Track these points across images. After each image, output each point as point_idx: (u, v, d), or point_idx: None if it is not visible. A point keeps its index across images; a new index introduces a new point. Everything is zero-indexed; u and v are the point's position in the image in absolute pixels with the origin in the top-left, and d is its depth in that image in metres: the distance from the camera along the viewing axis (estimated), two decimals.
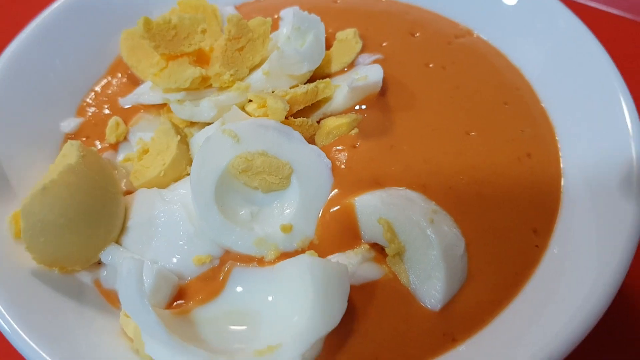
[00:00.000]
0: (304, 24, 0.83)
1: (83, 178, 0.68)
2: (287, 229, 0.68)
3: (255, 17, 0.81)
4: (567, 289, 0.63)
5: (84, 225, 0.67)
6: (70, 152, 0.70)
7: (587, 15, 0.87)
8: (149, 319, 0.57)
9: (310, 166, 0.71)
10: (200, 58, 0.82)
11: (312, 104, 0.81)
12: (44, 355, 0.59)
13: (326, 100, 0.82)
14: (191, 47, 0.77)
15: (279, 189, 0.70)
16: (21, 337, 0.61)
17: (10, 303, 0.63)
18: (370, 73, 0.81)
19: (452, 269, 0.65)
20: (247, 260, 0.68)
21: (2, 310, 0.62)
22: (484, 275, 0.68)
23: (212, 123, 0.79)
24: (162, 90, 0.80)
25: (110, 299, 0.71)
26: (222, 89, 0.80)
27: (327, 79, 0.82)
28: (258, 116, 0.76)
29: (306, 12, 0.85)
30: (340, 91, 0.81)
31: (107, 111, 0.88)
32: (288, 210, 0.70)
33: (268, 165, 0.69)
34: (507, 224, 0.72)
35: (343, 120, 0.78)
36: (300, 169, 0.70)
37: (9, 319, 0.62)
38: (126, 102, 0.87)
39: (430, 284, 0.65)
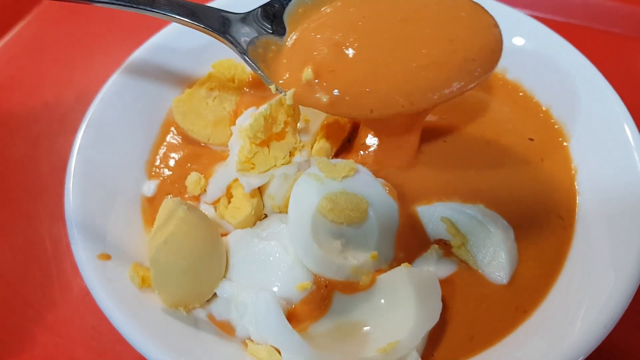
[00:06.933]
0: None
1: (193, 226, 0.79)
2: (374, 256, 0.81)
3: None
4: (604, 258, 0.80)
5: (202, 266, 0.79)
6: (175, 207, 0.81)
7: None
8: (293, 339, 0.70)
9: (380, 199, 0.83)
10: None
11: None
12: None
13: None
14: (279, 127, 0.86)
15: (360, 222, 0.82)
16: None
17: (150, 337, 0.73)
18: None
19: (509, 250, 0.83)
20: (344, 285, 0.80)
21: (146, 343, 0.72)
22: (531, 256, 0.85)
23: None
24: (260, 171, 0.87)
25: (225, 328, 0.82)
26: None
27: None
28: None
29: None
30: None
31: (177, 169, 0.99)
32: (372, 240, 0.82)
33: (350, 202, 0.81)
34: (537, 213, 0.89)
35: None
36: (373, 202, 0.83)
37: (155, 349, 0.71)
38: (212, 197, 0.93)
39: (496, 263, 0.82)
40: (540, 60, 1.03)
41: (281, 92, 0.82)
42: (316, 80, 0.79)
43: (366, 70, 0.78)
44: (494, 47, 0.80)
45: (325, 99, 0.78)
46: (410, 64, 0.77)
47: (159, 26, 1.11)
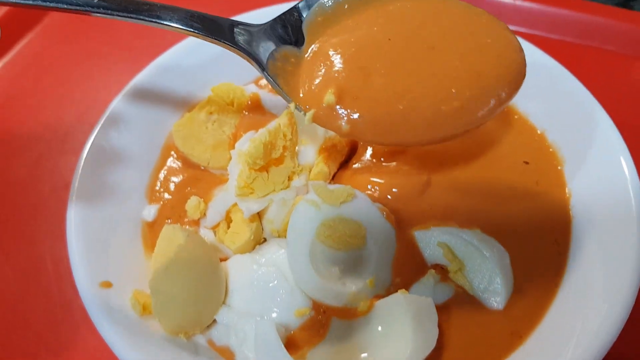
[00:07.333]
0: None
1: (193, 253, 0.81)
2: (371, 282, 0.82)
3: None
4: (598, 284, 0.81)
5: (202, 293, 0.80)
6: (175, 234, 0.82)
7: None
8: None
9: (378, 224, 0.85)
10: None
11: None
12: None
13: None
14: (277, 152, 0.88)
15: (357, 248, 0.83)
16: None
17: None
18: None
19: (505, 275, 0.84)
20: (342, 311, 0.82)
21: None
22: (527, 281, 0.86)
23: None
24: (259, 196, 0.88)
25: (224, 354, 0.83)
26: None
27: None
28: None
29: None
30: None
31: (177, 193, 1.00)
32: (369, 266, 0.83)
33: (348, 228, 0.82)
34: (533, 238, 0.90)
35: None
36: (371, 227, 0.84)
37: None
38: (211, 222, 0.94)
39: (492, 289, 0.83)
40: (535, 84, 1.03)
41: (300, 111, 0.80)
42: (337, 106, 0.75)
43: (392, 107, 0.73)
44: (519, 76, 0.78)
45: (346, 127, 0.74)
46: (439, 106, 0.73)
47: (159, 46, 1.13)
